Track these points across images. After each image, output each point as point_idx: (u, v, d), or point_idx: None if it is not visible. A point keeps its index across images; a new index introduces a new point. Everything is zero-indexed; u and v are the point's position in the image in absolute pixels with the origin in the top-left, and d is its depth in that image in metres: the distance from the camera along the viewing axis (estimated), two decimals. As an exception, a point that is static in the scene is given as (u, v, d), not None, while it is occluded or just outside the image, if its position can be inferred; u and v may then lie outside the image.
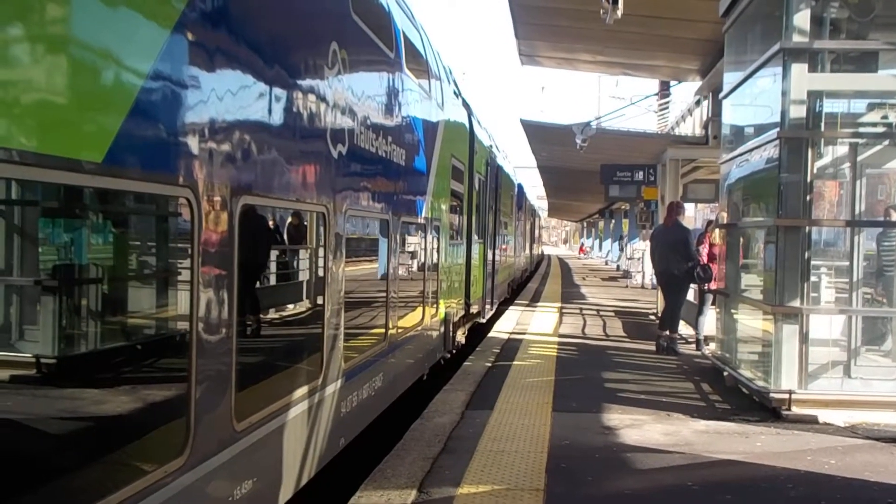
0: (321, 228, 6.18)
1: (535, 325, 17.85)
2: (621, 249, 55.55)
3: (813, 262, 9.59)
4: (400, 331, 9.03)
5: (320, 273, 6.30)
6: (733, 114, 12.08)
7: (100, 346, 3.99)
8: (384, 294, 8.33)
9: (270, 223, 5.82)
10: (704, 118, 19.58)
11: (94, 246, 3.92)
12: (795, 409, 8.89)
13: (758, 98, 10.77)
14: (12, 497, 3.01)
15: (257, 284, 5.65)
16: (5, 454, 3.15)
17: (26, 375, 3.53)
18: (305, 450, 5.82)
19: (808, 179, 9.30)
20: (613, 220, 52.77)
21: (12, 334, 3.55)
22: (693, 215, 31.93)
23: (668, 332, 13.72)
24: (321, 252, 6.26)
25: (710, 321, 13.85)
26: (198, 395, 4.10)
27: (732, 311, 11.60)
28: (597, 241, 68.35)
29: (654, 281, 16.93)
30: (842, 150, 10.22)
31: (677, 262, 13.44)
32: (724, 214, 12.46)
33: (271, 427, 5.13)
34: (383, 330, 8.31)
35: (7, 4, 2.85)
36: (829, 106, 9.74)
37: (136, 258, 4.48)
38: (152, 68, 3.64)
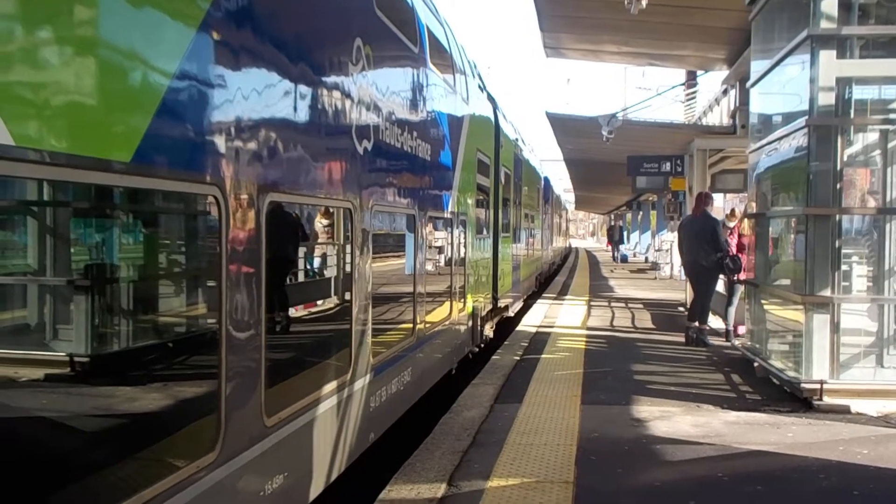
0: (348, 224, 6.22)
1: (563, 318, 17.80)
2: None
3: (843, 251, 9.48)
4: (428, 325, 9.06)
5: (347, 269, 6.33)
6: (761, 102, 11.94)
7: (131, 345, 4.05)
8: (411, 289, 8.36)
9: (297, 220, 5.86)
10: (732, 107, 19.39)
11: (124, 245, 3.97)
12: (827, 400, 8.80)
13: (786, 86, 10.64)
14: (49, 493, 3.08)
15: (285, 281, 5.69)
16: (41, 451, 3.21)
17: (60, 374, 3.59)
18: (335, 445, 5.86)
19: (838, 167, 9.18)
20: (641, 212, 52.39)
21: (46, 333, 3.61)
22: (722, 205, 31.61)
23: (697, 324, 13.63)
24: (348, 248, 6.30)
25: (739, 312, 13.74)
26: (228, 391, 4.15)
27: (762, 301, 11.50)
28: (625, 234, 67.98)
29: (683, 272, 16.81)
30: (872, 137, 10.06)
31: (706, 252, 13.33)
32: (753, 204, 12.35)
33: (301, 422, 5.17)
34: (411, 325, 8.34)
35: (34, 7, 2.90)
36: (859, 93, 9.59)
37: (165, 257, 4.53)
38: (178, 68, 3.67)
